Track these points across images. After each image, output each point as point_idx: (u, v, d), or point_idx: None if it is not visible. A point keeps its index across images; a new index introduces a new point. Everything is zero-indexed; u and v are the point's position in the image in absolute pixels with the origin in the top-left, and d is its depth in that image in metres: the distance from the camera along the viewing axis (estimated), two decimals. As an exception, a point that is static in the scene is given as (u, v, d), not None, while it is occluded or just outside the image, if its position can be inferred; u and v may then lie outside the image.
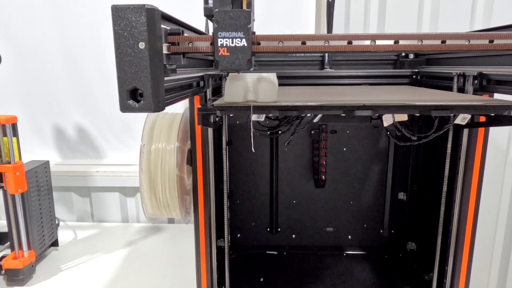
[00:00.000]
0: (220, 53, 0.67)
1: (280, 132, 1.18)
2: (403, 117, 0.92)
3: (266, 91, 0.80)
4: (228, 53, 0.67)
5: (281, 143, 1.52)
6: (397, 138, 1.12)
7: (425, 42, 0.71)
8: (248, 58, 0.67)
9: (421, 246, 1.42)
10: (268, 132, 1.21)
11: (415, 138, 1.04)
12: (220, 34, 0.66)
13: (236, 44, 0.67)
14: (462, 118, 0.91)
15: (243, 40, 0.66)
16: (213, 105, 0.80)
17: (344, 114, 0.78)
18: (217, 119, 0.84)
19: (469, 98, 0.91)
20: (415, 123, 1.28)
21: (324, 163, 1.52)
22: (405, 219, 1.53)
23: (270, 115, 0.82)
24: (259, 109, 0.79)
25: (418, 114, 1.13)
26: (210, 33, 1.06)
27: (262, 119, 0.85)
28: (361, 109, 0.77)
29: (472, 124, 0.95)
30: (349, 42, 0.71)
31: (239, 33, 0.66)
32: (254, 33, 0.68)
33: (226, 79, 1.04)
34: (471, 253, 1.11)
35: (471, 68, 1.06)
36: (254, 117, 0.80)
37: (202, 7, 1.34)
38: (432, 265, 1.19)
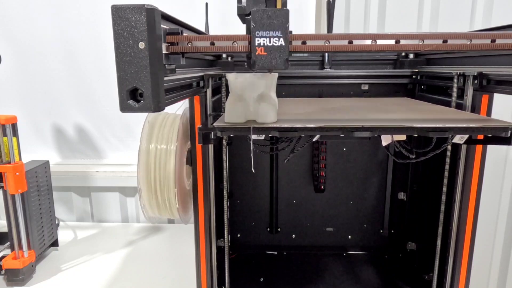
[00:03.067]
0: (257, 53, 0.66)
1: (279, 149, 1.20)
2: (402, 137, 0.94)
3: (266, 112, 0.82)
4: (265, 53, 0.66)
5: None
6: (396, 156, 1.14)
7: (427, 41, 0.70)
8: (286, 58, 0.67)
9: (421, 246, 1.42)
10: (268, 149, 1.23)
11: (413, 156, 1.06)
12: (258, 34, 0.66)
13: (274, 44, 0.66)
14: (460, 138, 0.93)
15: (281, 39, 0.66)
16: (213, 125, 0.81)
17: (343, 135, 0.79)
18: (217, 135, 0.85)
19: (468, 117, 0.92)
20: (414, 138, 1.28)
21: (324, 167, 1.52)
22: (405, 219, 1.53)
23: (270, 135, 0.83)
24: (259, 130, 0.80)
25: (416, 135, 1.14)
26: (211, 33, 1.07)
27: (262, 138, 0.86)
28: (360, 130, 0.78)
29: (470, 141, 0.96)
30: (350, 42, 0.70)
31: (277, 32, 0.66)
32: (291, 32, 0.68)
33: (226, 79, 1.05)
34: (471, 253, 1.11)
35: (471, 68, 1.05)
36: (254, 136, 0.81)
37: (203, 7, 1.35)
38: (432, 265, 1.19)
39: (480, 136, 0.94)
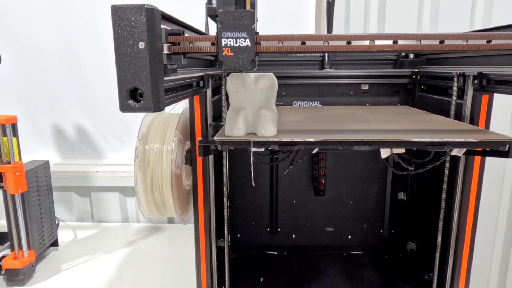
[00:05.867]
0: (224, 53, 0.68)
1: (279, 160, 1.22)
2: (401, 149, 0.96)
3: (265, 125, 0.84)
4: (232, 53, 0.68)
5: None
6: (395, 167, 1.15)
7: (424, 42, 0.71)
8: (252, 58, 0.68)
9: (421, 246, 1.42)
10: (268, 159, 1.23)
11: (412, 168, 1.08)
12: (224, 34, 0.67)
13: (240, 44, 0.67)
14: (458, 150, 0.94)
15: (247, 40, 0.67)
16: (214, 139, 0.82)
17: (342, 148, 0.81)
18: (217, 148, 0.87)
19: (466, 129, 0.93)
20: (413, 149, 1.29)
21: (324, 172, 1.51)
22: (405, 219, 1.53)
23: (270, 148, 0.85)
24: (259, 143, 0.82)
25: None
26: (211, 33, 1.08)
27: (262, 150, 0.87)
28: (359, 144, 0.80)
29: (468, 153, 0.97)
30: (348, 42, 0.71)
31: (243, 33, 0.67)
32: (257, 33, 0.69)
33: (226, 79, 1.05)
34: (471, 253, 1.11)
35: (471, 68, 1.06)
36: (254, 149, 0.83)
37: (203, 7, 1.35)
38: (432, 265, 1.19)
39: (479, 148, 0.94)
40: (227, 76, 0.88)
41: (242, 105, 0.84)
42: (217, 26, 0.68)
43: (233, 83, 0.83)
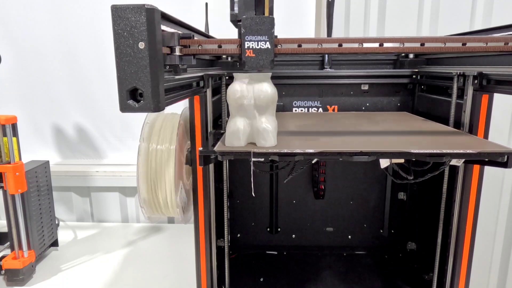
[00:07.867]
0: (246, 55, 0.76)
1: (279, 168, 1.21)
2: (400, 160, 0.96)
3: (265, 136, 0.84)
4: (254, 55, 0.76)
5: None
6: (394, 176, 1.15)
7: (427, 44, 0.75)
8: (271, 59, 0.76)
9: (421, 246, 1.42)
10: (268, 167, 1.24)
11: (411, 177, 1.09)
12: (247, 38, 0.75)
13: (261, 47, 0.75)
14: (457, 160, 0.95)
15: (267, 43, 0.75)
16: (214, 150, 0.84)
17: (341, 159, 0.83)
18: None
19: (465, 138, 0.94)
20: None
21: (324, 172, 1.51)
22: (405, 219, 1.53)
23: (270, 159, 0.87)
24: (259, 154, 0.83)
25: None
26: (211, 33, 1.10)
27: (262, 159, 0.88)
28: (358, 155, 0.81)
29: (467, 162, 0.98)
30: (360, 44, 0.78)
31: (264, 37, 0.75)
32: (276, 36, 0.77)
33: (226, 79, 1.05)
34: (471, 253, 1.11)
35: (471, 68, 1.06)
36: (254, 159, 0.84)
37: (203, 8, 1.35)
38: (432, 265, 1.19)
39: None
40: (227, 77, 0.88)
41: (242, 115, 0.85)
42: (240, 30, 0.75)
43: (233, 93, 0.84)
